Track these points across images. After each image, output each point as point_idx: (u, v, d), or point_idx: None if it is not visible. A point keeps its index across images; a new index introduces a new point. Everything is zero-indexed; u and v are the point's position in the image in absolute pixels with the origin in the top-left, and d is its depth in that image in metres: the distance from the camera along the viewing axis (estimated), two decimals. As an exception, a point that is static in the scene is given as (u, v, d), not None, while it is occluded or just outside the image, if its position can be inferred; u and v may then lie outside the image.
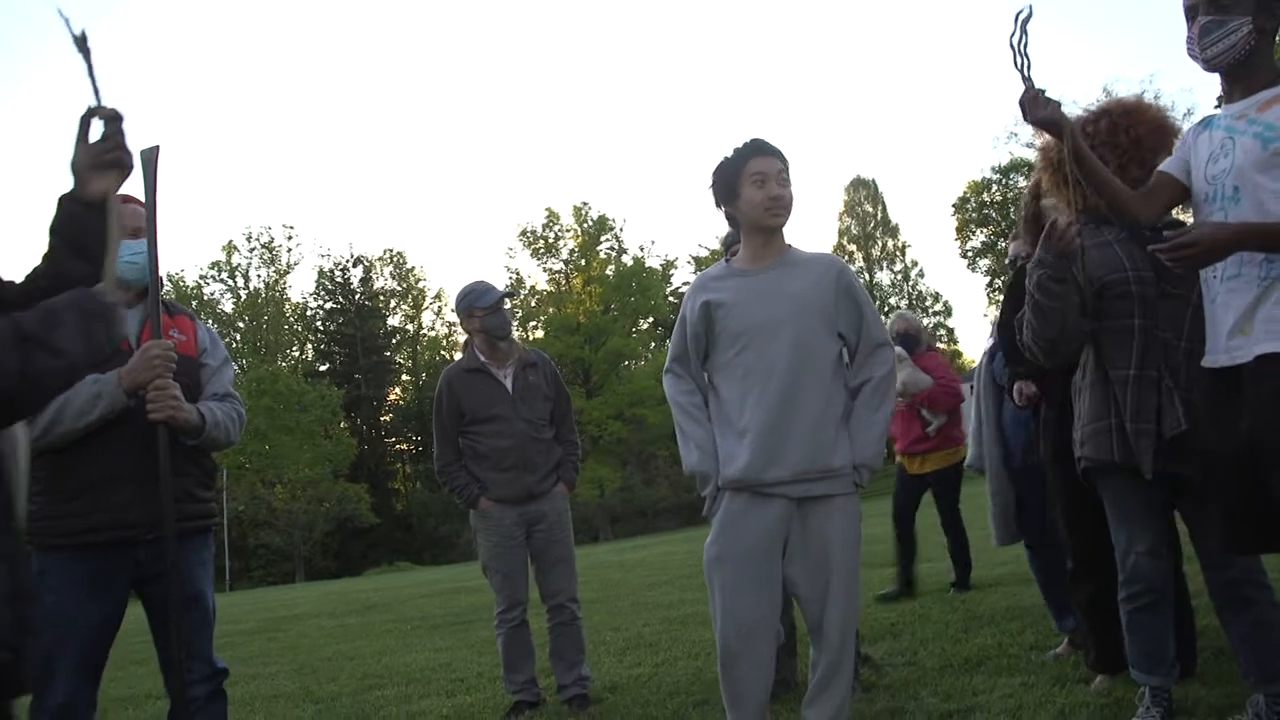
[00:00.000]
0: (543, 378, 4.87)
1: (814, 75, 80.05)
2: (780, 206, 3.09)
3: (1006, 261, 5.04)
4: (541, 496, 4.71)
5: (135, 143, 2.61)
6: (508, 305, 4.88)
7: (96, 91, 2.15)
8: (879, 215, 59.42)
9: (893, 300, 58.33)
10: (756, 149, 3.11)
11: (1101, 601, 3.63)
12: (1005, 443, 4.73)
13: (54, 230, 2.07)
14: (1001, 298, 4.61)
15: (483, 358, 4.85)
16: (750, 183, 3.07)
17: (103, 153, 2.07)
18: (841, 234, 58.75)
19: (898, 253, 59.24)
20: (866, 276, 58.17)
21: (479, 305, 4.83)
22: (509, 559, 4.69)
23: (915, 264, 59.46)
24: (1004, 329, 3.97)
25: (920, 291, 59.00)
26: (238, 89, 77.75)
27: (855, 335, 3.11)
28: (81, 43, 2.12)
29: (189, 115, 68.46)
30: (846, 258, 58.01)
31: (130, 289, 3.17)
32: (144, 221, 3.06)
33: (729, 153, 3.16)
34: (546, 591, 4.76)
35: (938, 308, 58.85)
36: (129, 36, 72.99)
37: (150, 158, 3.01)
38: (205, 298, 49.29)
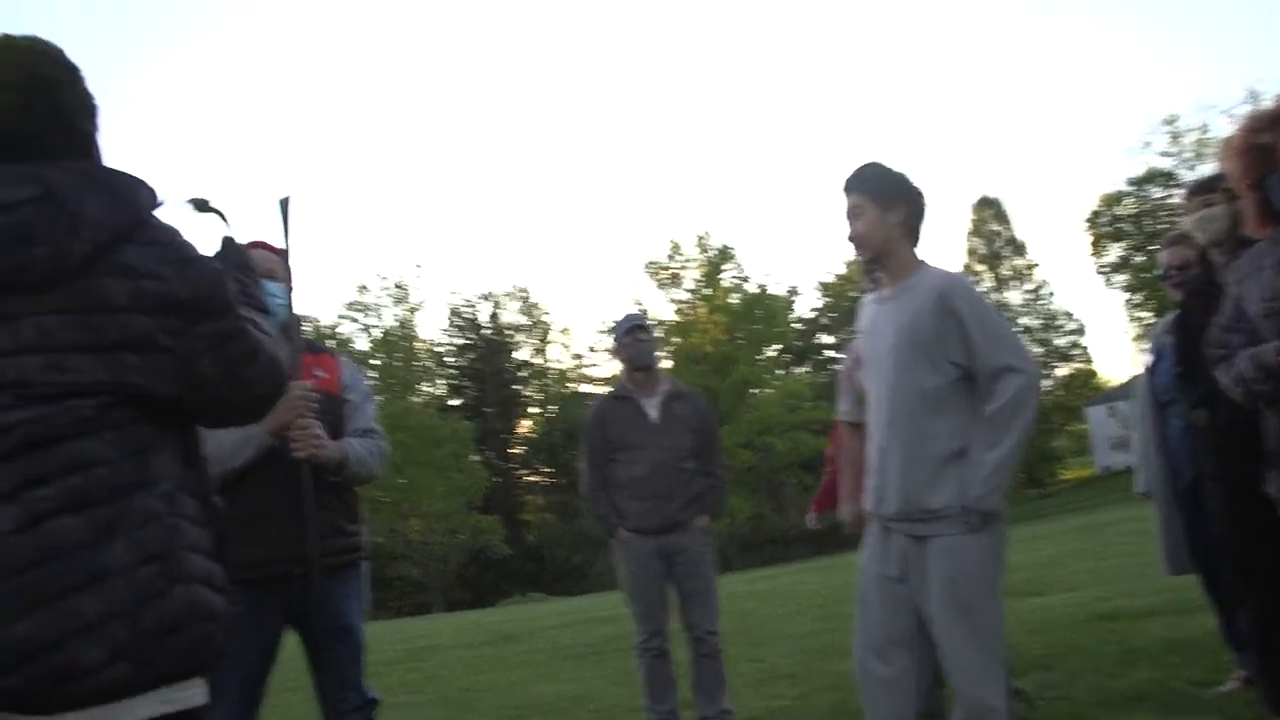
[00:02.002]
0: (690, 410, 4.88)
1: (937, 95, 78.83)
2: (855, 245, 3.06)
3: (1158, 273, 4.73)
4: (680, 528, 4.68)
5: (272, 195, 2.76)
6: (643, 336, 4.89)
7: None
8: (1006, 234, 58.03)
9: (1023, 320, 56.76)
10: (844, 185, 3.07)
11: (1275, 633, 3.39)
12: (1172, 463, 4.35)
13: None
14: (1158, 316, 4.31)
15: (631, 386, 4.89)
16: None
17: None
18: (969, 253, 57.56)
19: (1027, 271, 57.71)
20: (995, 296, 56.73)
21: (617, 335, 4.93)
22: (647, 589, 4.69)
23: (1045, 282, 57.85)
24: (1185, 362, 3.65)
25: (1051, 310, 57.34)
26: (366, 134, 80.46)
27: (970, 362, 2.89)
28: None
29: (320, 161, 71.07)
30: (974, 278, 56.73)
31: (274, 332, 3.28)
32: (275, 264, 3.17)
33: None
34: (687, 622, 4.73)
35: (1071, 326, 57.11)
36: (264, 86, 76.32)
37: (285, 206, 3.14)
38: (341, 337, 50.92)
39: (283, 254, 3.14)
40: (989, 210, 58.21)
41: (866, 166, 3.08)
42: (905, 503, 2.90)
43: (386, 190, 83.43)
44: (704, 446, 4.88)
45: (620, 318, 5.09)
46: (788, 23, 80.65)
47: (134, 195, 1.67)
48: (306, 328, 3.26)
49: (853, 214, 3.03)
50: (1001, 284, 57.10)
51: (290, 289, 3.12)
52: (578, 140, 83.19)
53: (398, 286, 53.99)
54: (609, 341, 5.06)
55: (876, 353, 3.06)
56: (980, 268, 56.96)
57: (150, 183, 1.73)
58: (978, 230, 58.05)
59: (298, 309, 3.18)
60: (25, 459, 1.52)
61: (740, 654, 7.47)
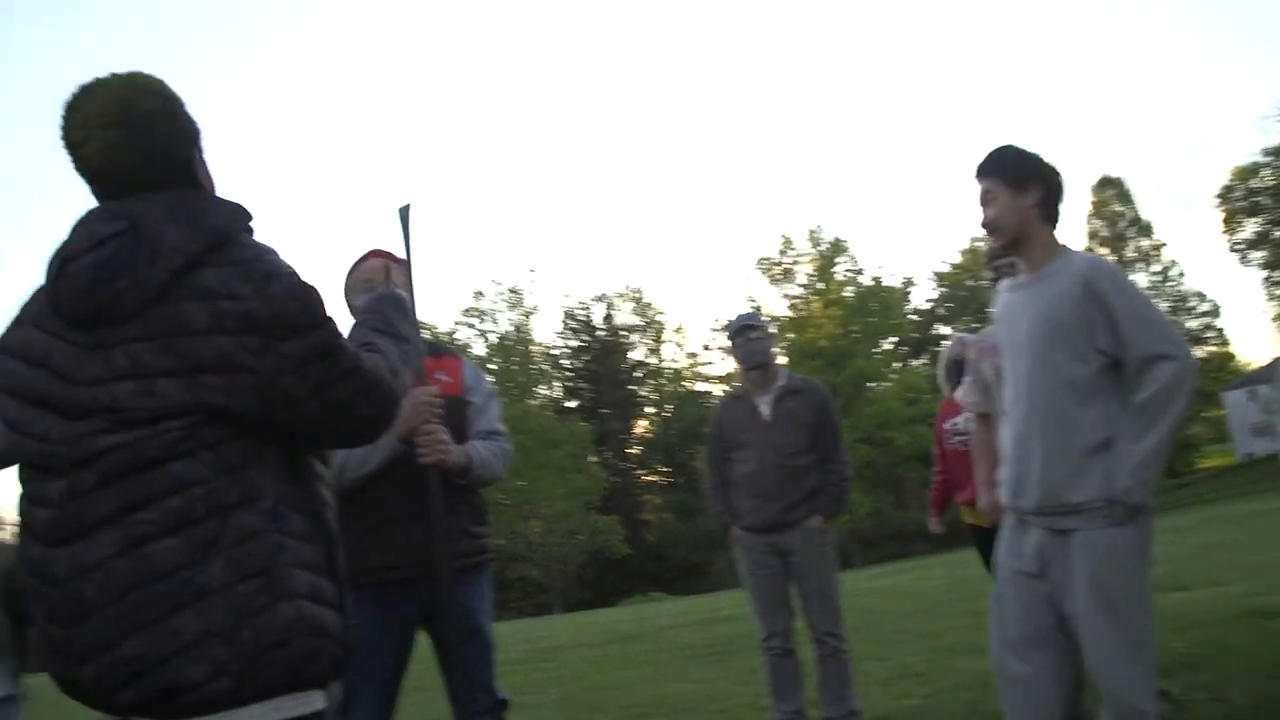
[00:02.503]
0: (806, 405, 4.81)
1: (1052, 73, 76.51)
2: (989, 231, 2.97)
3: None
4: (790, 527, 4.64)
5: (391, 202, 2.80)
6: (754, 335, 4.85)
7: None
8: (1130, 214, 55.95)
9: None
10: (976, 171, 2.99)
11: None
12: None
13: None
14: None
15: (746, 385, 4.87)
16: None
17: None
18: (1090, 236, 55.66)
19: (1153, 253, 55.55)
20: (1135, 282, 54.77)
21: (728, 336, 4.93)
22: (764, 587, 4.68)
23: (1174, 263, 55.56)
24: None
25: (1181, 292, 55.11)
26: (477, 142, 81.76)
27: (1118, 350, 2.77)
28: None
29: (433, 169, 72.48)
30: (1097, 262, 54.86)
31: None
32: (396, 273, 3.21)
33: None
34: (808, 622, 4.68)
35: (1204, 308, 54.79)
36: (379, 95, 78.19)
37: (405, 214, 3.18)
38: (458, 343, 51.84)
39: (403, 263, 3.19)
40: (1111, 190, 56.17)
41: (999, 149, 2.99)
42: (1046, 496, 2.81)
43: (499, 196, 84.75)
44: (822, 440, 4.81)
45: (732, 318, 5.07)
46: (895, 7, 79.30)
47: (213, 218, 1.70)
48: (425, 334, 3.30)
49: (985, 199, 2.95)
50: (1127, 267, 55.08)
51: (413, 295, 3.17)
52: (688, 138, 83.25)
53: (512, 291, 54.70)
54: (724, 340, 5.07)
55: (1013, 342, 2.96)
56: (1103, 250, 55.07)
57: (239, 203, 1.76)
58: (1099, 212, 56.10)
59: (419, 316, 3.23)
60: (123, 483, 1.58)
61: (866, 652, 7.36)
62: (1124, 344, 2.76)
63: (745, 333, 4.84)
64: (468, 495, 3.30)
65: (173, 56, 64.20)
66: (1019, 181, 2.91)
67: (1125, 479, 2.72)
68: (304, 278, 1.71)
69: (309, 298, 1.68)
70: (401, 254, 3.20)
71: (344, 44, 76.98)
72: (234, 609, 1.57)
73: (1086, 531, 2.76)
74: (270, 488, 1.65)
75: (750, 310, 6.78)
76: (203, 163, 1.81)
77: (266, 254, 1.70)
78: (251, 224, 1.76)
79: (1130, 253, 55.36)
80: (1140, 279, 55.08)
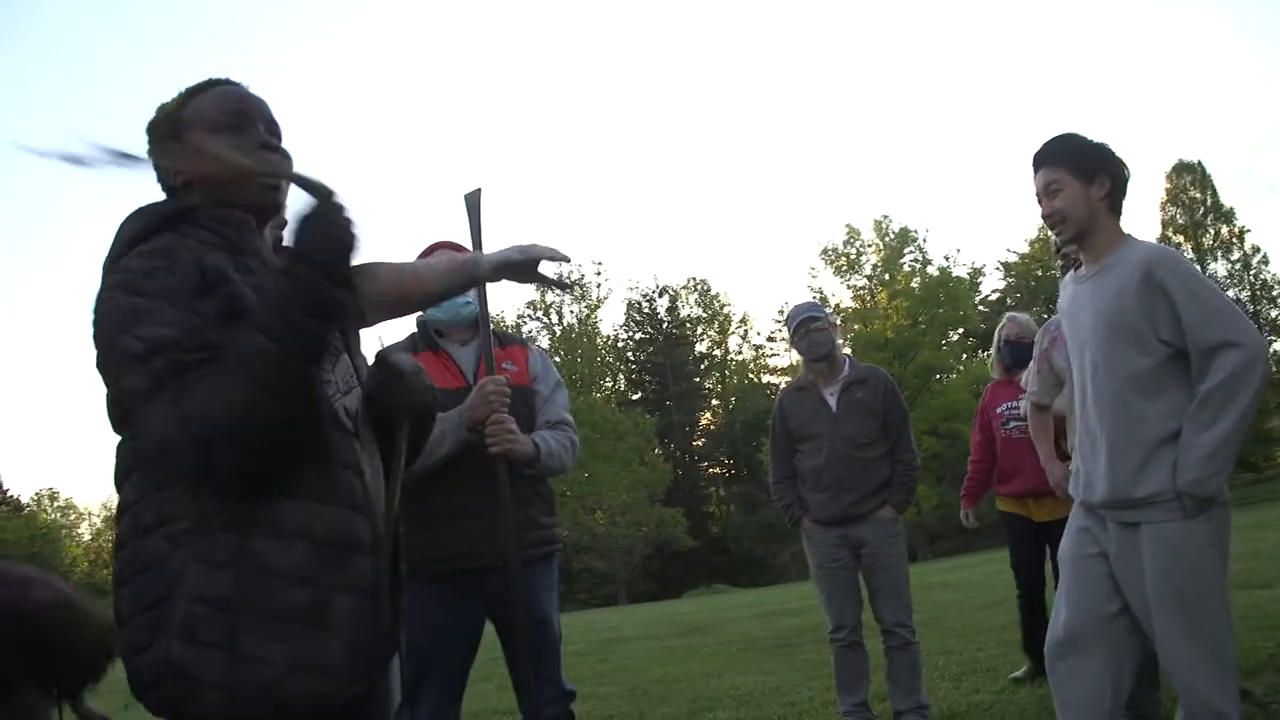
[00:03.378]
0: (873, 394, 4.75)
1: (1124, 55, 74.83)
2: (1054, 226, 2.91)
3: None
4: (862, 519, 4.59)
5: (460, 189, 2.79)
6: (817, 326, 4.78)
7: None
8: (1208, 200, 54.49)
9: (1231, 293, 53.23)
10: (1034, 162, 2.96)
11: None
12: None
13: None
14: None
15: (811, 376, 4.83)
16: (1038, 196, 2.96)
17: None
18: (1165, 225, 54.29)
19: (1234, 240, 54.03)
20: (1198, 269, 53.44)
21: (790, 328, 4.86)
22: (833, 580, 4.63)
23: (1257, 250, 53.94)
24: None
25: (1264, 280, 53.57)
26: (542, 133, 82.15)
27: (1182, 339, 2.71)
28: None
29: (498, 160, 73.01)
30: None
31: (463, 328, 3.38)
32: None
33: None
34: (877, 615, 4.63)
35: (1288, 296, 53.24)
36: (445, 83, 78.88)
37: (474, 200, 3.17)
38: (524, 335, 52.11)
39: (474, 248, 3.17)
40: (1188, 176, 54.72)
41: (1062, 138, 2.93)
42: (1115, 490, 2.76)
43: (565, 188, 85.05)
44: (891, 429, 4.75)
45: (790, 310, 5.01)
46: (963, -4, 77.98)
47: (118, 238, 1.73)
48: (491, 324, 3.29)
49: (1049, 190, 2.88)
50: (1204, 255, 53.71)
51: (483, 289, 3.18)
52: (754, 128, 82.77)
53: (576, 283, 54.94)
54: (788, 331, 5.01)
55: (1078, 335, 2.94)
56: (1178, 239, 53.76)
57: (146, 212, 1.76)
58: (1174, 198, 54.74)
59: (489, 307, 3.24)
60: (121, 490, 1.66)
61: (935, 646, 7.28)
62: (1187, 332, 2.70)
63: (807, 324, 4.78)
64: (536, 486, 3.31)
65: (234, 39, 65.36)
66: (1088, 172, 2.86)
67: (1193, 471, 2.65)
68: (131, 289, 1.59)
69: (103, 315, 1.61)
70: (469, 244, 3.20)
71: (413, 29, 77.75)
72: (129, 642, 1.55)
73: (1155, 525, 2.71)
74: (190, 508, 1.55)
75: (811, 301, 6.69)
76: (168, 162, 1.81)
77: (116, 287, 1.62)
78: (158, 229, 1.71)
79: (1209, 240, 53.98)
80: (1219, 267, 53.68)
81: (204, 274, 1.62)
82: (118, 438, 1.67)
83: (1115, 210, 2.91)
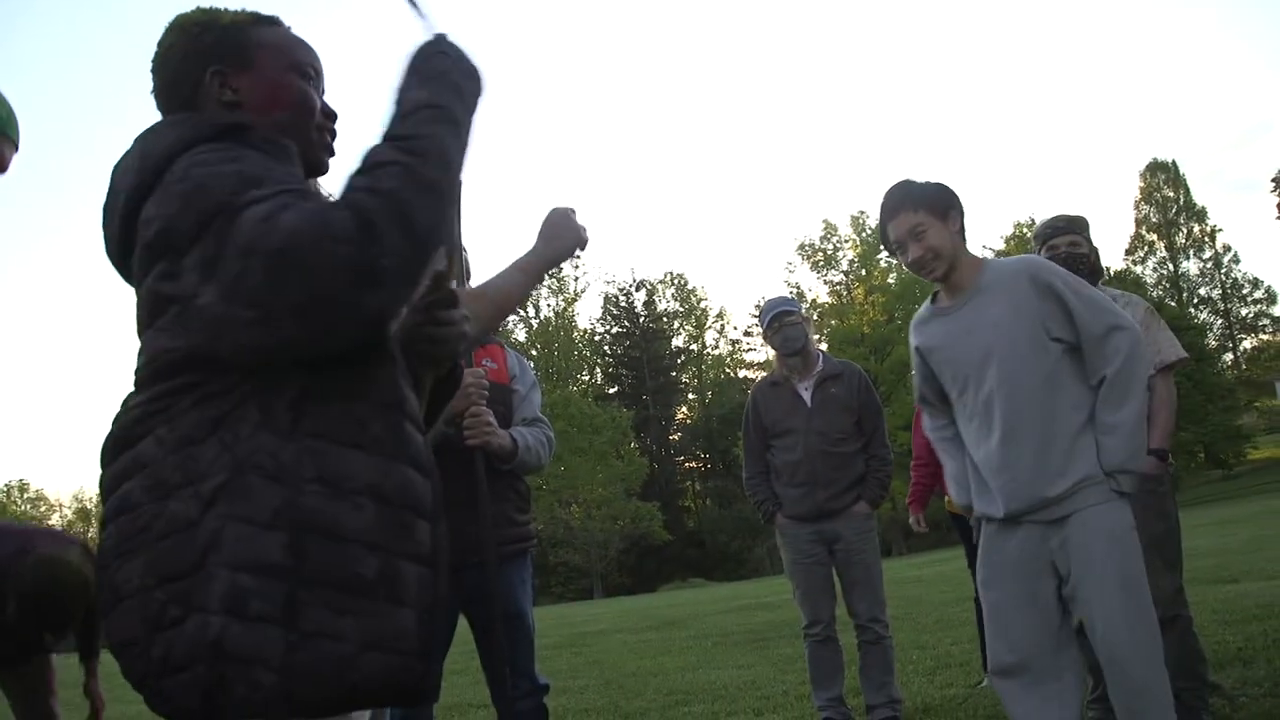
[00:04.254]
0: (847, 389, 4.77)
1: (1100, 54, 75.32)
2: (925, 266, 2.96)
3: None
4: (837, 514, 4.60)
5: None
6: (790, 320, 4.79)
7: None
8: (1181, 199, 55.01)
9: (1203, 291, 53.86)
10: (885, 212, 3.02)
11: None
12: None
13: None
14: None
15: (784, 371, 4.84)
16: (899, 250, 3.00)
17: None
18: (1139, 223, 54.87)
19: (1206, 239, 54.59)
20: (1171, 267, 53.98)
21: (763, 323, 4.87)
22: (807, 575, 4.65)
23: (1228, 249, 54.57)
24: None
25: (1235, 279, 54.19)
26: (521, 124, 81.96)
27: (1073, 333, 2.85)
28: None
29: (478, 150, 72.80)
30: (1146, 248, 54.15)
31: None
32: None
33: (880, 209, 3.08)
34: (851, 610, 4.66)
35: (1258, 295, 53.87)
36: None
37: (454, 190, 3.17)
38: (500, 328, 51.91)
39: (456, 245, 3.18)
40: (1162, 175, 55.25)
41: (908, 183, 3.03)
42: (1042, 488, 2.81)
43: (542, 181, 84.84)
44: (866, 424, 4.78)
45: (764, 305, 5.02)
46: (941, -7, 78.31)
47: (158, 146, 1.49)
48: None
49: (916, 234, 2.95)
50: (1177, 253, 54.29)
51: (462, 281, 3.17)
52: (731, 123, 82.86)
53: (554, 277, 54.95)
54: (761, 326, 5.03)
55: (966, 361, 2.95)
56: (1152, 237, 54.28)
57: (204, 119, 1.54)
58: (1148, 197, 55.23)
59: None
60: (112, 466, 1.43)
61: (909, 641, 7.33)
62: (1080, 326, 2.85)
63: (781, 318, 4.79)
64: (513, 482, 3.30)
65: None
66: (942, 211, 2.98)
67: (1122, 449, 2.78)
68: (225, 168, 1.39)
69: (208, 180, 1.37)
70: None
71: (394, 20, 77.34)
72: (148, 618, 1.32)
73: (1086, 509, 2.79)
74: (223, 462, 1.32)
75: (785, 295, 6.79)
76: (222, 81, 1.61)
77: (196, 165, 1.40)
78: (213, 137, 1.49)
79: (1181, 239, 54.51)
80: (1191, 266, 54.33)
81: (289, 168, 1.49)
82: (142, 358, 1.42)
83: (964, 239, 3.05)
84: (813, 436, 4.65)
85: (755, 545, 43.58)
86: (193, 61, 1.60)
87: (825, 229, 50.48)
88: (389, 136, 1.40)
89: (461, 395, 3.06)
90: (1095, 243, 4.10)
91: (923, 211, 2.95)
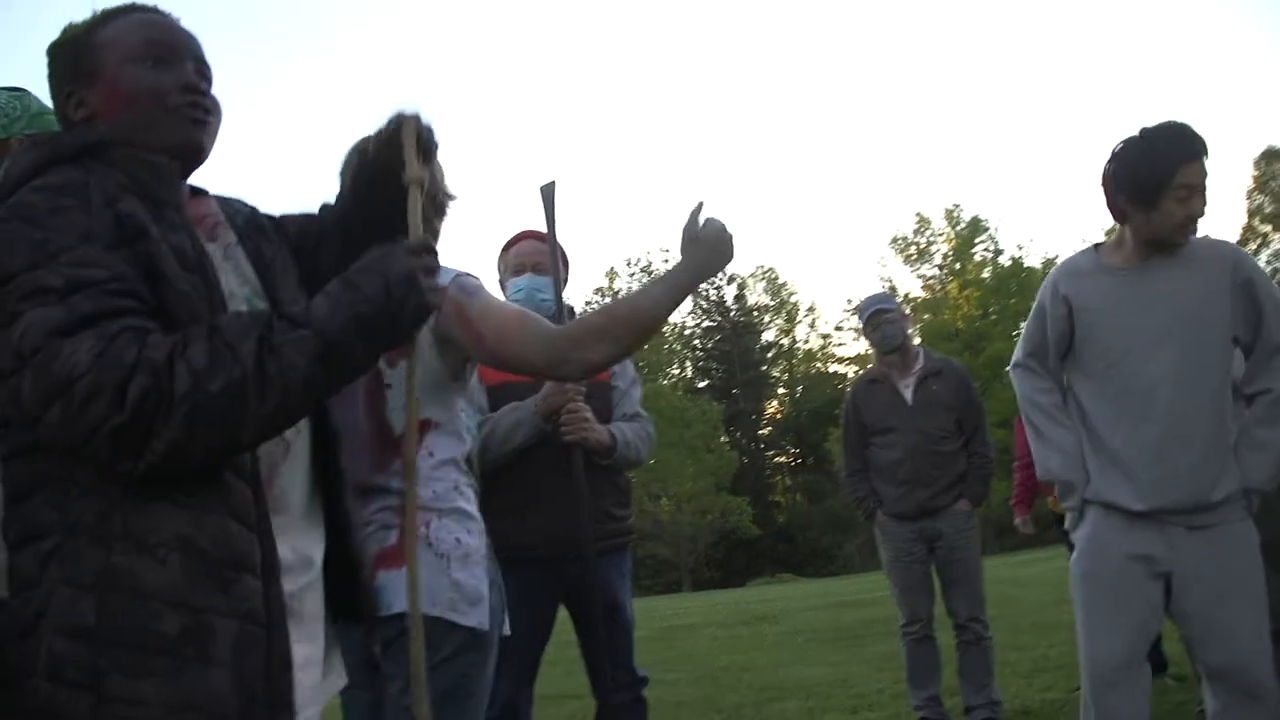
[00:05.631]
0: (948, 387, 4.73)
1: (1214, 37, 72.77)
2: (1193, 225, 2.71)
3: None
4: (939, 512, 4.57)
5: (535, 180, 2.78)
6: (889, 318, 4.76)
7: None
8: (1299, 188, 52.83)
9: (1317, 286, 51.75)
10: (1191, 152, 2.66)
11: None
12: None
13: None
14: None
15: (884, 368, 4.81)
16: (1176, 197, 2.64)
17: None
18: (1251, 214, 52.78)
19: (1324, 231, 52.39)
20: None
21: (861, 320, 4.86)
22: (907, 574, 4.62)
23: (1347, 241, 52.28)
24: None
25: (1354, 274, 52.05)
26: (612, 122, 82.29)
27: (1252, 336, 2.69)
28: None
29: (567, 149, 73.29)
30: (1259, 240, 52.21)
31: None
32: (545, 256, 3.25)
33: (1153, 145, 2.69)
34: (950, 609, 4.62)
35: (1378, 291, 51.60)
36: (518, 77, 79.30)
37: (549, 193, 3.19)
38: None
39: (549, 243, 3.22)
40: (1277, 163, 53.16)
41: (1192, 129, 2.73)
42: (1197, 495, 2.67)
43: (634, 175, 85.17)
44: (967, 422, 4.72)
45: (861, 302, 5.00)
46: (1041, -20, 76.36)
47: (14, 168, 1.42)
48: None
49: (1204, 190, 2.69)
50: (1292, 247, 52.19)
51: (558, 280, 3.21)
52: (824, 115, 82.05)
53: (644, 270, 55.08)
54: (856, 321, 5.01)
55: (1137, 333, 2.73)
56: (1265, 228, 52.24)
57: (50, 143, 1.45)
58: (1262, 186, 53.15)
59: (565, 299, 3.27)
60: None
61: (1007, 642, 7.22)
62: (1261, 331, 2.68)
63: (879, 315, 4.77)
64: (613, 477, 3.35)
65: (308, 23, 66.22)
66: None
67: (1267, 469, 2.69)
68: (26, 235, 1.28)
69: (5, 241, 1.28)
70: (547, 232, 3.23)
71: (485, 24, 78.30)
72: (4, 671, 1.30)
73: (1230, 525, 2.69)
74: (53, 522, 1.29)
75: (882, 291, 6.75)
76: (78, 101, 1.50)
77: (10, 216, 1.32)
78: (71, 158, 1.41)
79: (1295, 231, 52.41)
80: (1306, 260, 52.14)
81: (120, 222, 1.33)
82: None
83: None
84: (914, 435, 4.62)
85: (845, 541, 43.18)
86: (55, 89, 1.53)
87: (919, 222, 49.72)
88: (275, 316, 1.32)
89: (559, 392, 3.11)
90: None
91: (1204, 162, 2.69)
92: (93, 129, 1.47)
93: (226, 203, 1.65)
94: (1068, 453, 2.81)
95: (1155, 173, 2.66)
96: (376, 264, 1.40)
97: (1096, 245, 2.93)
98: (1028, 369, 2.92)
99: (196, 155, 1.54)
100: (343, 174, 2.13)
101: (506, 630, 2.33)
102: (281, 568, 1.41)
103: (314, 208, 1.83)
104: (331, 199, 1.82)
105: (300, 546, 1.51)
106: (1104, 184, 2.80)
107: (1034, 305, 2.91)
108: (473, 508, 2.23)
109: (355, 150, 1.78)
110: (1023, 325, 3.06)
